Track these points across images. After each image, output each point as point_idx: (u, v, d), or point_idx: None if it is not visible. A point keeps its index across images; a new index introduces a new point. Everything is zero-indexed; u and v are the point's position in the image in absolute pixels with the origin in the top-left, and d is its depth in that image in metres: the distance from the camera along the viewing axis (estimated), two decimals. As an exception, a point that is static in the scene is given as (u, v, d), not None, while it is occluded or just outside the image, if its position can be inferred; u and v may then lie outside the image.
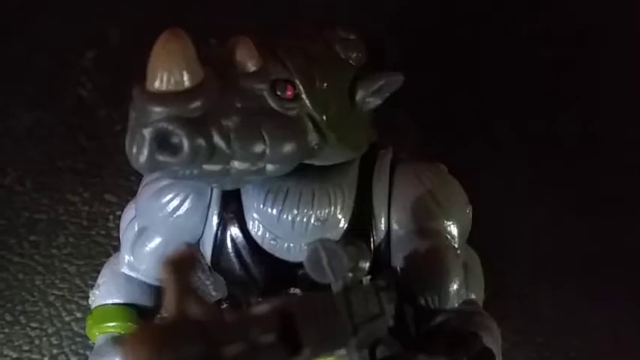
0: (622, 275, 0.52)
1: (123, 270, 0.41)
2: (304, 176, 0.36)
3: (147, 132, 0.30)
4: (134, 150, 0.30)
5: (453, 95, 0.48)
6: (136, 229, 0.40)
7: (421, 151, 0.46)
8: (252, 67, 0.32)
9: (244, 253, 0.38)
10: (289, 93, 0.33)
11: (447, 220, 0.38)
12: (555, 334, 0.49)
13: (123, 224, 0.42)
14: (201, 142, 0.30)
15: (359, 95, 0.36)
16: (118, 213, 0.53)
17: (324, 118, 0.34)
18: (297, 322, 0.25)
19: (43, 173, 0.53)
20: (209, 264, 0.39)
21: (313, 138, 0.34)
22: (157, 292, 0.42)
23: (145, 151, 0.30)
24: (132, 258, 0.41)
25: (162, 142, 0.30)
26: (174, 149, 0.30)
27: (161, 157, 0.30)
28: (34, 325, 0.52)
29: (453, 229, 0.38)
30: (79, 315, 0.52)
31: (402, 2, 0.51)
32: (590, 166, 0.52)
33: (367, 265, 0.35)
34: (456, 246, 0.38)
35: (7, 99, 0.53)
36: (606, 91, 0.52)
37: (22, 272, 0.52)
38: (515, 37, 0.52)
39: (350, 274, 0.31)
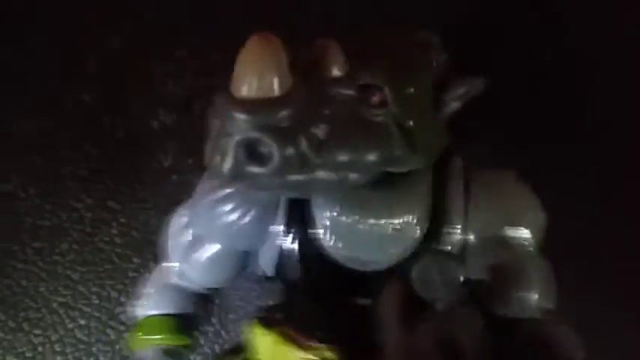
0: (622, 276, 0.51)
1: (172, 279, 0.40)
2: (379, 184, 0.34)
3: (234, 140, 0.29)
4: (217, 159, 0.29)
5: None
6: (190, 237, 0.39)
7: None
8: (338, 72, 0.31)
9: (312, 262, 0.37)
10: (376, 99, 0.32)
11: (525, 228, 0.37)
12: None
13: (172, 231, 0.41)
14: (291, 151, 0.29)
15: (443, 100, 0.35)
16: (122, 220, 0.53)
17: (411, 124, 0.33)
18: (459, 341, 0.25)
19: (46, 180, 0.53)
20: (272, 272, 0.38)
21: (399, 145, 0.32)
22: (205, 299, 0.42)
23: (231, 160, 0.29)
24: (184, 266, 0.40)
25: (251, 152, 0.29)
26: (263, 159, 0.29)
27: (249, 168, 0.29)
28: (37, 331, 0.52)
29: (531, 237, 0.37)
30: (82, 322, 0.52)
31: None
32: (591, 166, 0.52)
33: (462, 278, 0.35)
34: (534, 254, 0.38)
35: (9, 105, 0.53)
36: (606, 91, 0.52)
37: (25, 279, 0.52)
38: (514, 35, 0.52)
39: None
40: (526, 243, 0.37)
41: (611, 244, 0.51)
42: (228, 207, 0.37)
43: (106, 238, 0.53)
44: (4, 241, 0.52)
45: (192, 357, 0.48)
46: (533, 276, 0.37)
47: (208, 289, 0.41)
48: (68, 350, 0.52)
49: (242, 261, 0.39)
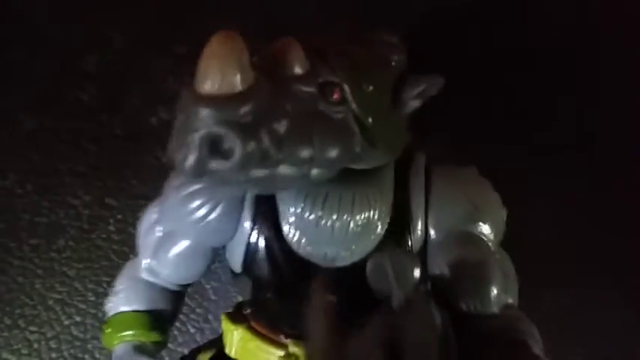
0: (623, 277, 0.51)
1: (142, 276, 0.41)
2: (342, 180, 0.35)
3: (197, 136, 0.29)
4: (181, 154, 0.29)
5: (450, 97, 0.48)
6: (160, 233, 0.40)
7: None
8: (299, 70, 0.32)
9: (279, 258, 0.37)
10: (336, 96, 0.33)
11: (485, 224, 0.38)
12: (559, 338, 0.49)
13: (143, 228, 0.41)
14: (253, 146, 0.29)
15: (401, 98, 0.36)
16: (119, 217, 0.53)
17: (370, 121, 0.34)
18: (405, 343, 0.26)
19: (43, 176, 0.53)
20: (240, 268, 0.39)
21: (359, 141, 0.33)
22: (176, 297, 0.42)
23: (194, 156, 0.29)
24: (154, 262, 0.40)
25: (214, 147, 0.29)
26: (226, 154, 0.29)
27: (212, 163, 0.29)
28: (33, 328, 0.52)
29: (491, 233, 0.38)
30: (78, 319, 0.52)
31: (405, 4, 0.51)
32: (591, 166, 0.52)
33: (419, 274, 0.35)
34: (494, 249, 0.38)
35: (8, 102, 0.52)
36: (606, 91, 0.52)
37: (21, 275, 0.52)
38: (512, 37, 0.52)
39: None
40: (486, 239, 0.38)
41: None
42: (197, 203, 0.37)
43: (103, 235, 0.53)
44: (0, 237, 0.52)
45: (186, 353, 0.48)
46: (493, 272, 0.37)
47: (179, 285, 0.41)
48: (64, 347, 0.52)
49: (211, 257, 0.40)
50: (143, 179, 0.53)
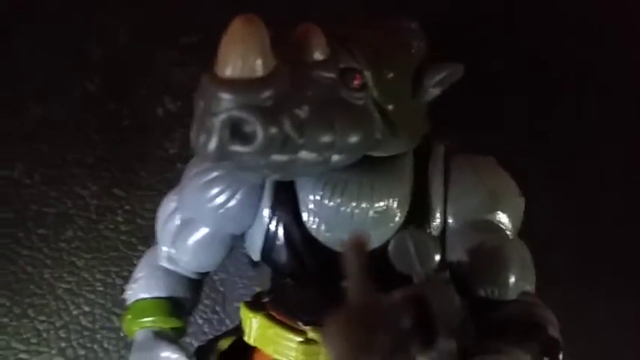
0: (624, 276, 0.51)
1: (161, 263, 0.41)
2: (362, 168, 0.35)
3: (218, 120, 0.29)
4: (202, 138, 0.29)
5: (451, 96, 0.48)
6: (179, 221, 0.40)
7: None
8: (320, 55, 0.32)
9: (298, 245, 0.37)
10: (357, 82, 0.33)
11: (503, 212, 0.38)
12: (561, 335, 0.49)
13: (161, 217, 0.41)
14: (274, 131, 0.29)
15: (422, 86, 0.36)
16: (127, 207, 0.53)
17: (390, 108, 0.34)
18: (431, 309, 0.26)
19: (51, 167, 0.53)
20: (259, 256, 0.39)
21: (379, 128, 0.33)
22: (194, 284, 0.42)
23: (215, 140, 0.29)
24: (173, 250, 0.40)
25: (235, 131, 0.29)
26: (247, 138, 0.29)
27: (233, 147, 0.29)
28: (42, 318, 0.52)
29: (509, 221, 0.38)
30: (86, 309, 0.52)
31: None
32: (591, 166, 0.52)
33: (438, 257, 0.36)
34: (512, 237, 0.38)
35: (15, 93, 0.53)
36: (606, 90, 0.52)
37: (30, 265, 0.52)
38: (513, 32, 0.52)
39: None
40: (504, 227, 0.38)
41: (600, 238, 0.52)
42: (215, 190, 0.37)
43: (111, 226, 0.53)
44: (9, 227, 0.52)
45: (193, 343, 0.48)
46: (511, 259, 0.37)
47: (197, 272, 0.42)
48: (72, 337, 0.52)
49: (229, 245, 0.40)
50: (150, 170, 0.53)
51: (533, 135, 0.52)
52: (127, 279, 0.52)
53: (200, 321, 0.52)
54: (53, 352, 0.52)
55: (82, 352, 0.52)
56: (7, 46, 0.53)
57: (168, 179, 0.53)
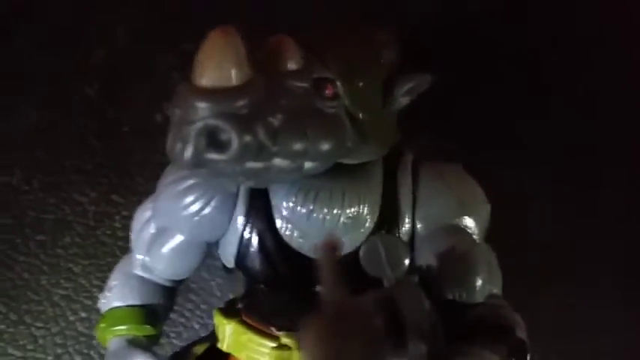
0: (626, 273, 0.51)
1: (136, 271, 0.41)
2: (333, 176, 0.36)
3: (194, 128, 0.30)
4: (178, 146, 0.30)
5: (451, 97, 0.48)
6: (154, 229, 0.40)
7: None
8: (294, 65, 0.33)
9: (272, 251, 0.38)
10: (329, 92, 0.34)
11: (470, 217, 0.39)
12: (558, 336, 0.49)
13: (136, 225, 0.42)
14: (249, 139, 0.30)
15: (392, 95, 0.37)
16: (125, 213, 0.53)
17: (361, 116, 0.35)
18: (402, 312, 0.26)
19: (49, 173, 0.53)
20: (232, 262, 0.39)
21: (351, 136, 0.34)
22: (169, 292, 0.42)
23: (191, 148, 0.30)
24: (147, 258, 0.41)
25: (211, 139, 0.30)
26: (222, 146, 0.30)
27: (209, 155, 0.30)
28: (38, 324, 0.52)
29: (475, 226, 0.39)
30: (83, 315, 0.52)
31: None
32: (589, 166, 0.52)
33: (408, 261, 0.37)
34: (479, 242, 0.39)
35: (14, 98, 0.53)
36: (606, 91, 0.52)
37: (27, 272, 0.52)
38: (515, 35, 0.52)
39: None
40: (471, 232, 0.39)
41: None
42: (190, 198, 0.38)
43: (109, 232, 0.53)
44: (6, 233, 0.52)
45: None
46: (478, 263, 0.38)
47: (172, 280, 0.42)
48: (69, 343, 0.52)
49: (204, 252, 0.41)
50: (149, 176, 0.53)
51: (532, 135, 0.52)
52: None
53: (197, 326, 0.52)
54: (50, 358, 0.52)
55: (78, 358, 0.52)
56: (6, 51, 0.53)
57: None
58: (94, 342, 0.52)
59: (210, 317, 0.52)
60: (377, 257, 0.35)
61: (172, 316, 0.52)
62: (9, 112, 0.53)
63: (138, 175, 0.53)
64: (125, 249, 0.52)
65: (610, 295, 0.51)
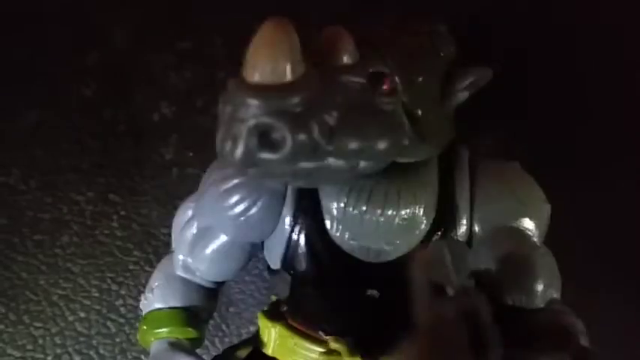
0: (626, 273, 0.51)
1: (177, 272, 0.40)
2: (387, 174, 0.34)
3: (245, 126, 0.28)
4: (228, 145, 0.29)
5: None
6: (196, 229, 0.39)
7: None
8: (349, 59, 0.31)
9: (321, 253, 0.36)
10: (386, 87, 0.32)
11: (530, 219, 0.38)
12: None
13: (178, 224, 0.40)
14: (303, 137, 0.29)
15: (450, 90, 0.36)
16: (122, 213, 0.53)
17: (419, 113, 0.33)
18: (483, 321, 0.28)
19: (47, 172, 0.53)
20: (279, 264, 0.38)
21: (408, 134, 0.33)
22: (211, 294, 0.41)
23: (242, 147, 0.28)
24: (190, 259, 0.39)
25: (263, 138, 0.28)
26: (275, 145, 0.28)
27: (261, 154, 0.28)
28: (37, 324, 0.52)
29: (535, 228, 0.38)
30: (82, 315, 0.52)
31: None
32: (591, 164, 0.52)
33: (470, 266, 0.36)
34: (539, 244, 0.38)
35: (11, 98, 0.52)
36: (606, 90, 0.52)
37: (25, 271, 0.52)
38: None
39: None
40: (531, 234, 0.38)
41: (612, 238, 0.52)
42: (236, 198, 0.36)
43: (107, 231, 0.53)
44: (4, 233, 0.52)
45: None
46: (539, 266, 0.37)
47: (214, 282, 0.41)
48: (68, 343, 0.52)
49: (248, 253, 0.39)
50: (146, 175, 0.53)
51: (532, 135, 0.52)
52: (122, 284, 0.52)
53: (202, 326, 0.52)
54: (49, 358, 0.52)
55: (77, 358, 0.52)
56: (3, 50, 0.53)
57: (163, 185, 0.53)
58: (94, 342, 0.52)
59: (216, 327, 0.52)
60: (442, 262, 0.33)
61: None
62: (6, 112, 0.52)
63: (135, 174, 0.53)
64: (124, 249, 0.52)
65: (610, 295, 0.51)
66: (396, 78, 0.32)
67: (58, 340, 0.52)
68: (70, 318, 0.52)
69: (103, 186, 0.53)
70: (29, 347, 0.52)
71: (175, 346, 0.39)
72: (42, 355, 0.52)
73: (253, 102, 0.28)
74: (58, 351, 0.52)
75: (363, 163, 0.31)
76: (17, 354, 0.52)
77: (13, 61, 0.53)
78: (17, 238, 0.52)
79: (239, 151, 0.28)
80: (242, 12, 0.51)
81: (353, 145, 0.30)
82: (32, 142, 0.53)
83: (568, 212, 0.51)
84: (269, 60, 0.28)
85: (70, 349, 0.52)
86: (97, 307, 0.52)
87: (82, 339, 0.52)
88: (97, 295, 0.52)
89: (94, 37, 0.53)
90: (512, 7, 0.52)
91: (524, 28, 0.52)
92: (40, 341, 0.52)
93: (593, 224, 0.52)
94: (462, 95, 0.36)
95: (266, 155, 0.28)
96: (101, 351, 0.52)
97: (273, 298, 0.41)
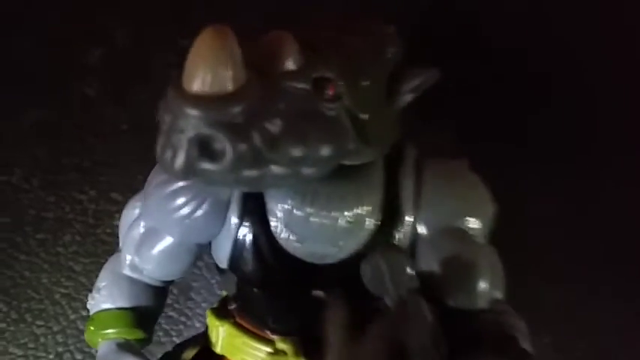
0: (626, 273, 0.51)
1: (124, 272, 0.40)
2: (331, 176, 0.33)
3: (185, 137, 0.27)
4: (168, 155, 0.28)
5: (448, 95, 0.48)
6: (143, 229, 0.39)
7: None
8: (292, 65, 0.30)
9: (267, 254, 0.36)
10: (330, 92, 0.31)
11: (475, 218, 0.37)
12: (560, 335, 0.49)
13: (125, 223, 0.40)
14: (244, 148, 0.28)
15: (396, 92, 0.35)
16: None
17: (364, 117, 0.32)
18: (406, 346, 0.26)
19: (49, 171, 0.53)
20: (226, 264, 0.38)
21: (352, 139, 0.32)
22: (159, 293, 0.41)
23: (182, 157, 0.28)
24: (137, 258, 0.39)
25: (203, 149, 0.28)
26: (216, 156, 0.28)
27: (202, 165, 0.28)
28: (39, 322, 0.52)
29: (480, 228, 0.37)
30: (84, 313, 0.52)
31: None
32: (591, 164, 0.52)
33: (412, 273, 0.35)
34: (483, 245, 0.37)
35: (13, 97, 0.53)
36: (606, 91, 0.52)
37: (28, 270, 0.52)
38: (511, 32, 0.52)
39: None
40: (475, 234, 0.37)
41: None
42: (181, 200, 0.36)
43: (109, 230, 0.53)
44: (6, 232, 0.52)
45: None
46: (483, 266, 0.36)
47: (162, 281, 0.40)
48: (70, 341, 0.52)
49: (195, 253, 0.39)
50: (148, 174, 0.52)
51: (532, 135, 0.52)
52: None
53: (198, 324, 0.52)
54: (51, 356, 0.52)
55: (79, 356, 0.52)
56: (5, 50, 0.53)
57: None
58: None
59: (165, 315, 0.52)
60: (380, 276, 0.33)
61: (173, 314, 0.53)
62: (9, 111, 0.53)
63: (137, 173, 0.53)
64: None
65: (610, 294, 0.51)
66: (341, 83, 0.31)
67: (59, 338, 0.52)
68: (72, 316, 0.52)
69: (105, 184, 0.53)
70: (31, 345, 0.52)
71: (123, 347, 0.38)
72: (44, 354, 0.52)
73: (193, 112, 0.27)
74: (60, 349, 0.52)
75: (306, 169, 0.31)
76: (19, 352, 0.52)
77: (15, 59, 0.53)
78: (20, 237, 0.52)
79: (179, 161, 0.28)
80: (243, 10, 0.51)
81: (296, 152, 0.30)
82: (34, 141, 0.53)
83: (568, 212, 0.51)
84: (209, 69, 0.27)
85: (71, 348, 0.52)
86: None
87: (83, 337, 0.52)
88: (98, 294, 0.52)
89: (96, 35, 0.53)
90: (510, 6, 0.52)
91: (521, 27, 0.52)
92: (42, 339, 0.52)
93: (593, 224, 0.51)
94: (408, 97, 0.35)
95: (207, 166, 0.28)
96: (103, 349, 0.52)
97: (224, 293, 0.40)
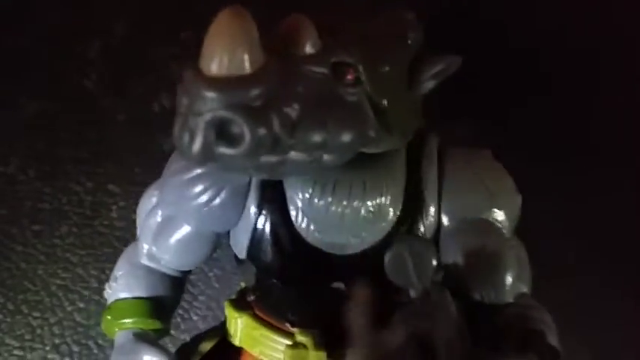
0: (624, 272, 0.51)
1: (142, 261, 0.39)
2: (353, 165, 0.32)
3: (203, 120, 0.27)
4: (185, 138, 0.28)
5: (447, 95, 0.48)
6: (160, 218, 0.38)
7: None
8: (311, 49, 0.29)
9: (286, 245, 0.36)
10: (350, 77, 0.30)
11: (500, 210, 0.36)
12: (560, 334, 0.49)
13: (142, 212, 0.40)
14: (263, 132, 0.27)
15: (418, 79, 0.34)
16: (121, 203, 0.53)
17: (385, 103, 0.32)
18: (432, 339, 0.27)
19: (46, 163, 0.53)
20: (244, 255, 0.37)
21: (373, 126, 0.31)
22: (177, 283, 0.40)
23: (199, 141, 0.27)
24: (154, 248, 0.38)
25: (221, 132, 0.27)
26: (234, 140, 0.27)
27: (219, 149, 0.27)
28: (35, 314, 0.52)
29: (505, 219, 0.37)
30: (81, 305, 0.52)
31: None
32: (591, 164, 0.52)
33: (436, 264, 0.34)
34: (508, 237, 0.37)
35: (10, 88, 0.52)
36: (606, 92, 0.52)
37: (24, 261, 0.52)
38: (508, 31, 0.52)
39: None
40: (501, 226, 0.36)
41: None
42: (199, 188, 0.36)
43: (106, 222, 0.53)
44: (3, 223, 0.52)
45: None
46: (508, 260, 0.36)
47: (180, 271, 0.40)
48: (67, 333, 0.52)
49: (214, 243, 0.38)
50: (145, 166, 0.53)
51: (532, 132, 0.52)
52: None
53: (195, 317, 0.52)
54: (47, 348, 0.52)
55: (76, 348, 0.52)
56: (4, 42, 0.52)
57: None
58: (92, 332, 0.52)
59: (209, 309, 0.52)
60: (403, 267, 0.33)
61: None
62: (6, 102, 0.52)
63: (135, 164, 0.53)
64: (122, 239, 0.52)
65: (610, 294, 0.51)
66: (360, 68, 0.31)
67: (56, 330, 0.52)
68: (69, 308, 0.52)
69: (102, 176, 0.53)
70: (27, 337, 0.52)
71: (140, 337, 0.37)
72: (40, 345, 0.52)
73: (210, 95, 0.27)
74: (57, 341, 0.52)
75: (326, 156, 0.30)
76: (15, 344, 0.52)
77: (13, 51, 0.52)
78: (16, 229, 0.52)
79: (197, 145, 0.27)
80: (243, 2, 0.51)
81: (316, 138, 0.29)
82: (32, 132, 0.53)
83: (568, 212, 0.51)
84: (226, 51, 0.27)
85: (68, 339, 0.52)
86: (96, 298, 0.52)
87: (80, 329, 0.52)
88: (95, 285, 0.52)
89: (94, 27, 0.53)
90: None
91: (521, 27, 0.52)
92: (39, 331, 0.52)
93: (593, 224, 0.52)
94: (430, 84, 0.35)
95: (225, 150, 0.28)
96: (100, 341, 0.52)
97: (242, 284, 0.40)
